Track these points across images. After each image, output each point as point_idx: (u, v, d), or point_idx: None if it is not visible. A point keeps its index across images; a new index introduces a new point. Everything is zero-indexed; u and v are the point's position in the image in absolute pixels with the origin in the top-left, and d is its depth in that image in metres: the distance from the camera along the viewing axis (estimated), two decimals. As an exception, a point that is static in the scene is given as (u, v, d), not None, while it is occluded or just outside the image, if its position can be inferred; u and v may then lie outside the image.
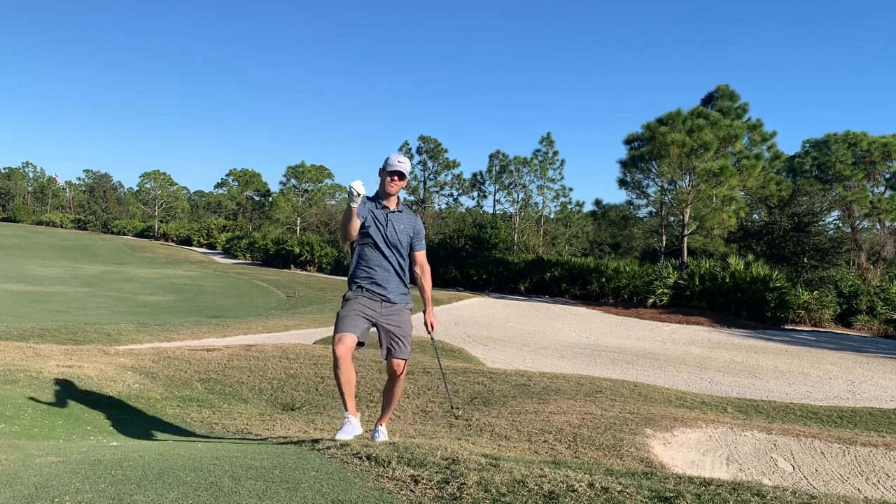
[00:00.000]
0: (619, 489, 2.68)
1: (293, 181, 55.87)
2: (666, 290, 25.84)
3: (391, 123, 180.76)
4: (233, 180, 70.13)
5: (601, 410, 7.23)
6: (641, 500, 2.58)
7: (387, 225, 4.17)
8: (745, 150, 27.66)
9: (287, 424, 6.31)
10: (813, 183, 31.91)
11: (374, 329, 4.18)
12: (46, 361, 7.60)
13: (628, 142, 28.27)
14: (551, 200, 42.92)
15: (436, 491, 2.71)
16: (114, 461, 3.25)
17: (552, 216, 44.51)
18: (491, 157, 42.80)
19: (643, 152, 26.80)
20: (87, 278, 29.76)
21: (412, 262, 4.34)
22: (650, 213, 31.23)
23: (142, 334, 13.66)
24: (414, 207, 42.42)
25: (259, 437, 5.37)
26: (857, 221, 32.49)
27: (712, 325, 22.58)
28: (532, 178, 41.90)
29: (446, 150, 45.35)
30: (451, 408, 6.71)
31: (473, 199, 45.75)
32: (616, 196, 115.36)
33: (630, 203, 30.57)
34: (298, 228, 54.94)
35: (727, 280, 24.94)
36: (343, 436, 4.04)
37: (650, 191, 29.04)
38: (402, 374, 4.25)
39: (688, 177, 26.91)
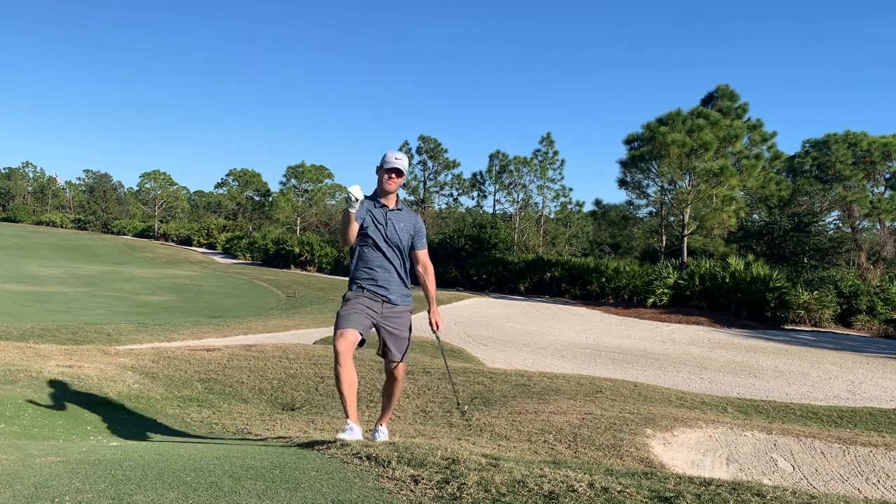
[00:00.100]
0: (619, 489, 2.68)
1: (293, 181, 55.87)
2: (666, 290, 25.84)
3: (391, 123, 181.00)
4: (233, 180, 70.14)
5: (601, 410, 7.23)
6: (641, 500, 2.58)
7: (386, 224, 4.10)
8: (745, 150, 27.65)
9: (287, 424, 6.31)
10: (813, 183, 31.92)
11: (374, 330, 4.17)
12: (46, 361, 7.60)
13: (628, 142, 28.27)
14: (551, 200, 43.00)
15: (436, 491, 2.70)
16: (114, 461, 3.25)
17: (552, 216, 44.55)
18: (491, 157, 42.88)
19: (643, 152, 26.79)
20: (87, 278, 29.74)
21: (414, 262, 4.26)
22: (650, 213, 31.23)
23: (142, 334, 13.65)
24: (414, 207, 42.38)
25: (259, 437, 5.37)
26: (857, 221, 32.50)
27: (712, 325, 22.57)
28: (532, 178, 41.95)
29: (446, 150, 45.34)
30: (458, 406, 6.69)
31: (473, 199, 45.80)
32: (616, 196, 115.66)
33: (630, 203, 30.59)
34: (298, 228, 54.93)
35: (727, 280, 24.94)
36: (343, 436, 4.03)
37: (650, 191, 29.06)
38: (401, 375, 4.25)
39: (688, 177, 26.90)
